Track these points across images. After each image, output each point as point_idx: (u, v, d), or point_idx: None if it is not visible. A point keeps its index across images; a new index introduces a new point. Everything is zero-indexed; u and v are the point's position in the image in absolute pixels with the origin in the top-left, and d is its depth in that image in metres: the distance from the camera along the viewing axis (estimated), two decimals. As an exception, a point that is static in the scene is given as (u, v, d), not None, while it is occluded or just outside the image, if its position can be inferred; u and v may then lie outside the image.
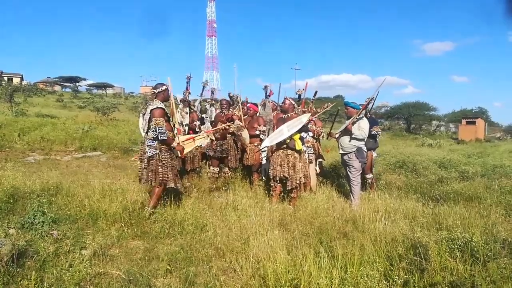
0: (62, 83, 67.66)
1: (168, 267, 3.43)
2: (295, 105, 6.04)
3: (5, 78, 55.74)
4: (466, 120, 39.40)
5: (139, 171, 5.02)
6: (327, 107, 6.74)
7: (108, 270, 3.32)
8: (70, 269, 3.15)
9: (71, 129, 13.12)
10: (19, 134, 11.13)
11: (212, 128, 6.91)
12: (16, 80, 57.91)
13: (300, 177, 5.64)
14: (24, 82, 59.45)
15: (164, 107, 4.86)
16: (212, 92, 8.18)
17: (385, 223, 4.71)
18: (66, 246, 3.64)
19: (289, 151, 5.68)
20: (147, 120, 4.80)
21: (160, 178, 4.80)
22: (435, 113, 45.99)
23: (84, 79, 69.79)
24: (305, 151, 5.85)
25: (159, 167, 4.79)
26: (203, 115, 7.73)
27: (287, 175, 5.63)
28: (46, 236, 3.88)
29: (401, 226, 4.57)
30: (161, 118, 4.69)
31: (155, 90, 4.91)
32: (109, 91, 67.63)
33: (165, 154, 4.84)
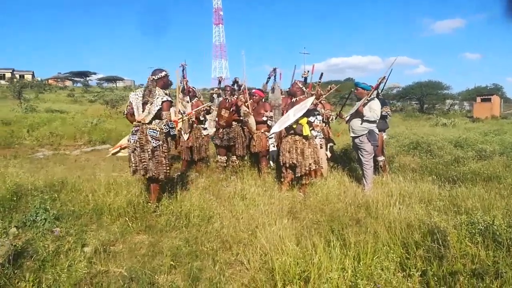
0: (72, 78, 68.12)
1: (172, 263, 3.28)
2: (303, 88, 5.80)
3: (17, 76, 56.35)
4: (481, 97, 38.31)
5: (134, 163, 4.61)
6: (330, 89, 6.46)
7: (110, 268, 3.19)
8: (70, 268, 3.03)
9: (80, 123, 13.08)
10: (28, 130, 11.13)
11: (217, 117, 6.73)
12: (27, 77, 58.53)
13: (310, 164, 5.43)
14: (35, 79, 60.06)
15: (172, 99, 4.73)
16: (219, 82, 7.97)
17: (399, 208, 4.50)
18: (68, 244, 3.52)
19: (297, 137, 5.47)
20: (153, 112, 4.53)
21: (165, 170, 4.63)
22: (449, 91, 44.89)
23: (94, 73, 70.13)
24: (315, 136, 5.62)
25: (163, 158, 4.62)
26: (210, 104, 7.54)
27: (295, 162, 5.43)
28: (48, 234, 3.76)
29: (416, 210, 4.35)
30: (170, 112, 4.59)
31: (154, 77, 4.65)
32: (120, 84, 67.80)
33: (166, 145, 4.68)
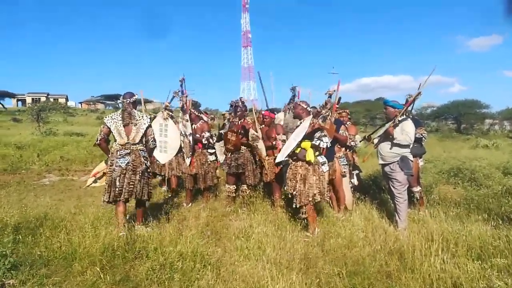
0: (104, 102, 69.90)
1: None
2: (309, 109, 4.95)
3: (51, 99, 58.29)
4: (525, 116, 35.98)
5: (118, 187, 4.45)
6: (332, 106, 5.55)
7: None
8: None
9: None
10: (38, 155, 10.75)
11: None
12: (61, 101, 60.53)
13: (314, 194, 4.53)
14: (69, 103, 61.97)
15: None
16: (231, 106, 6.89)
17: (442, 259, 3.50)
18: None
19: (299, 163, 4.62)
20: (142, 131, 4.61)
21: (148, 190, 4.73)
22: (488, 110, 42.59)
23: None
24: (323, 162, 4.71)
25: (148, 179, 4.73)
26: (222, 131, 6.73)
27: (293, 191, 4.59)
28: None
29: (465, 263, 3.36)
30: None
31: (130, 100, 4.71)
32: (149, 106, 68.80)
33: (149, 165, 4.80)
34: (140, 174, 4.51)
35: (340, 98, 5.74)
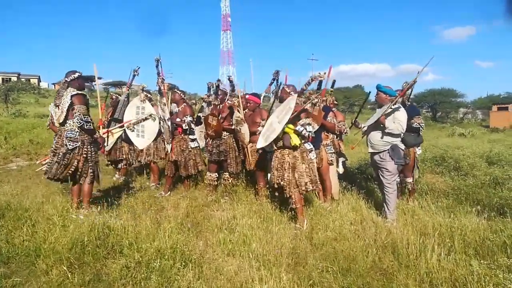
0: (78, 83, 67.52)
1: None
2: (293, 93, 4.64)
3: (23, 80, 55.89)
4: (498, 106, 36.81)
5: (48, 164, 4.47)
6: (320, 93, 5.29)
7: None
8: None
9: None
10: (5, 138, 10.06)
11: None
12: (33, 81, 58.13)
13: (306, 183, 4.26)
14: (42, 84, 59.62)
15: (85, 93, 4.48)
16: (209, 88, 6.52)
17: (439, 254, 3.30)
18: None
19: (286, 150, 4.32)
20: (65, 110, 4.36)
21: (91, 174, 4.47)
22: (463, 99, 43.48)
23: (100, 78, 69.50)
24: (310, 149, 4.44)
25: (81, 162, 4.38)
26: (200, 114, 6.36)
27: (282, 181, 4.29)
28: None
29: (464, 260, 3.17)
30: (84, 106, 4.36)
31: (66, 79, 4.41)
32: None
33: (88, 147, 4.44)
34: (60, 155, 4.32)
35: (334, 81, 5.47)
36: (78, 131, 4.36)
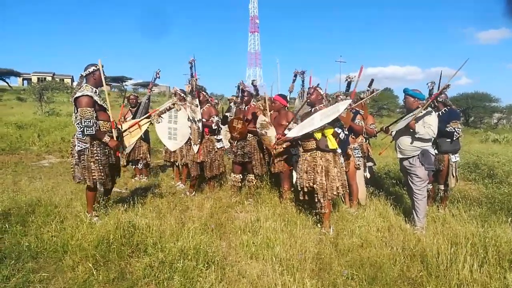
0: (109, 83, 69.33)
1: None
2: (324, 96, 4.56)
3: (57, 79, 57.86)
4: (535, 111, 35.21)
5: (71, 167, 4.21)
6: (373, 92, 5.18)
7: None
8: None
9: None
10: (38, 135, 10.41)
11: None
12: (67, 81, 60.15)
13: (338, 187, 4.17)
14: (75, 83, 61.55)
15: (92, 94, 4.07)
16: (239, 88, 6.64)
17: (471, 265, 3.15)
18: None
19: (319, 153, 4.24)
20: (76, 109, 4.12)
21: (94, 177, 4.11)
22: (497, 104, 41.78)
23: (130, 79, 70.91)
24: (340, 153, 4.36)
25: (91, 163, 4.10)
26: (227, 114, 6.39)
27: (313, 184, 4.21)
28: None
29: (498, 271, 3.02)
30: (89, 108, 4.00)
31: (82, 73, 4.14)
32: (155, 90, 68.31)
33: (97, 149, 4.14)
34: (76, 156, 4.12)
35: (372, 80, 5.36)
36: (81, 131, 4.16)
